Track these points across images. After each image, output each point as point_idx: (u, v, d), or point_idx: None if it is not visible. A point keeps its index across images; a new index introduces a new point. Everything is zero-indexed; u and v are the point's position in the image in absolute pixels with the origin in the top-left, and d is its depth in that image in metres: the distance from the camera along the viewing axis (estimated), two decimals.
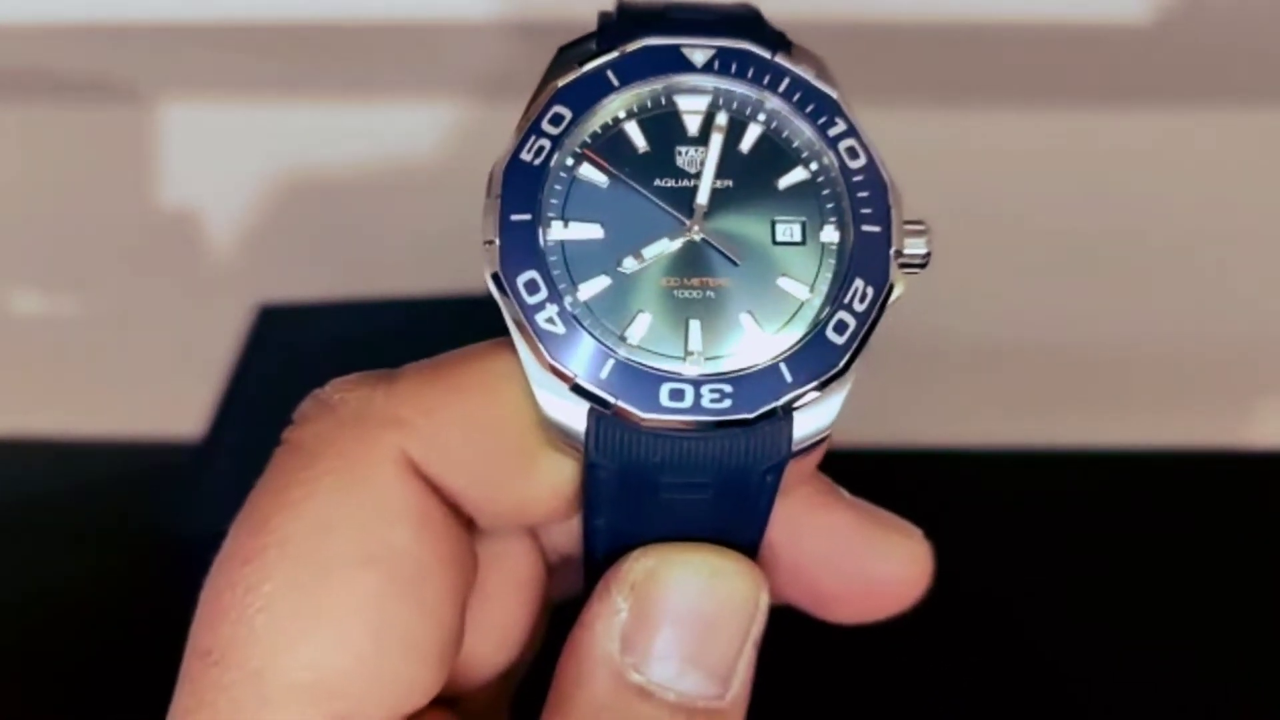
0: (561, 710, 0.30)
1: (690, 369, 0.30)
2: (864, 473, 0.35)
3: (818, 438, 0.31)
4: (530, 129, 0.30)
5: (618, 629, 0.30)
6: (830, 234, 0.31)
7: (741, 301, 0.30)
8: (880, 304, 0.30)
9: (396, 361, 0.32)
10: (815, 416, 0.30)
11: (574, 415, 0.30)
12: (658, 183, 0.30)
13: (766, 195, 0.31)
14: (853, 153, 0.31)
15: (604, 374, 0.29)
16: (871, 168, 0.31)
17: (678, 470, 0.30)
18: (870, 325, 0.30)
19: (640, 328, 0.30)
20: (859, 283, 0.30)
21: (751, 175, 0.31)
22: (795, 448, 0.30)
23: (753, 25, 0.32)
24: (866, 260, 0.30)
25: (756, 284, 0.30)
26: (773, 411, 0.30)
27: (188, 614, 0.30)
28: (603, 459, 0.30)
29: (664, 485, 0.31)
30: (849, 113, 0.31)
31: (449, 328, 0.39)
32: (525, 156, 0.30)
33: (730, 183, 0.31)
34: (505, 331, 0.31)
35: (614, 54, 0.31)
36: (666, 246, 0.30)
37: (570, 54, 0.32)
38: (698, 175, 0.31)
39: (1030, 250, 0.65)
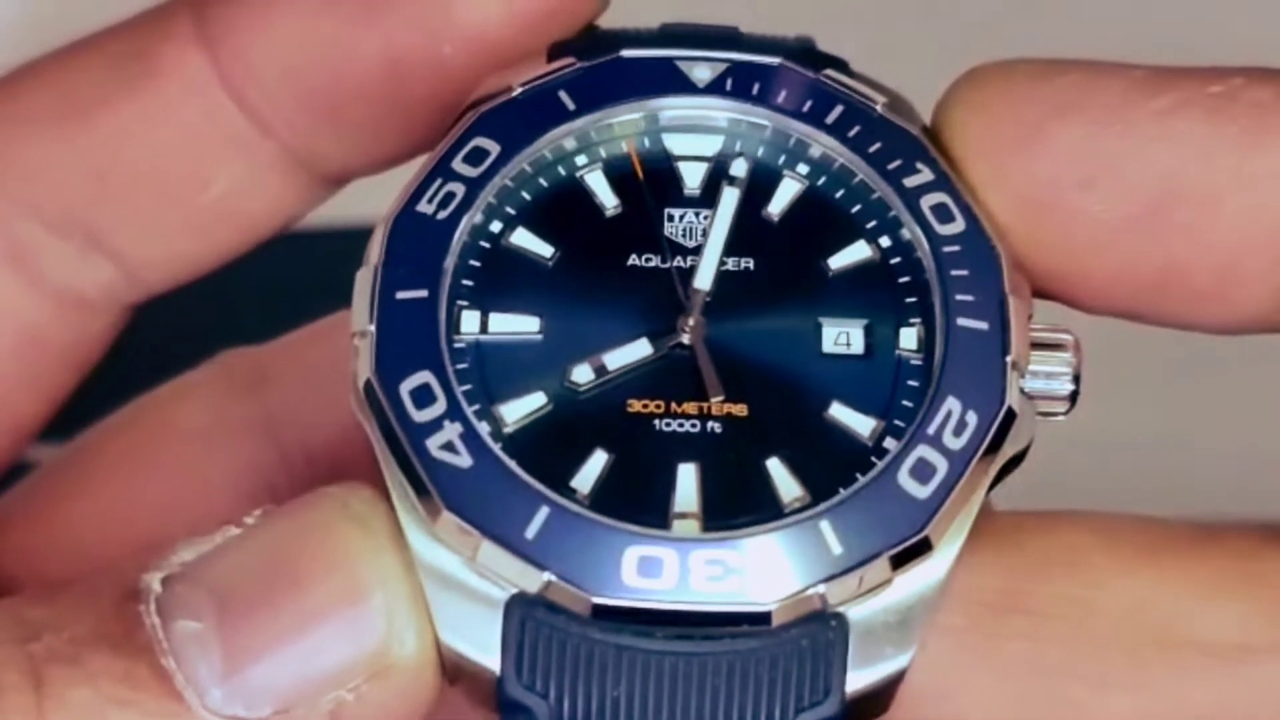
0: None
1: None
2: None
3: (891, 670, 0.20)
4: (435, 169, 0.22)
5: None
6: (909, 339, 0.22)
7: (767, 441, 0.21)
8: (987, 436, 0.21)
9: None
10: (886, 629, 0.20)
11: (481, 609, 0.20)
12: (634, 260, 0.23)
13: (809, 283, 0.23)
14: (944, 213, 0.22)
15: (531, 531, 0.20)
16: (974, 235, 0.22)
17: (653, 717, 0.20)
18: (969, 468, 0.21)
19: (591, 474, 0.21)
20: (953, 405, 0.21)
21: (785, 253, 0.23)
22: (854, 687, 0.20)
23: (797, 53, 0.24)
24: (965, 372, 0.21)
25: (792, 415, 0.22)
26: (813, 611, 0.20)
27: None
28: (528, 691, 0.20)
29: None
30: (937, 157, 0.23)
31: None
32: (424, 208, 0.22)
33: (750, 263, 0.23)
34: None
35: (570, 66, 0.23)
36: (642, 353, 0.22)
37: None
38: (698, 250, 0.23)
39: None
